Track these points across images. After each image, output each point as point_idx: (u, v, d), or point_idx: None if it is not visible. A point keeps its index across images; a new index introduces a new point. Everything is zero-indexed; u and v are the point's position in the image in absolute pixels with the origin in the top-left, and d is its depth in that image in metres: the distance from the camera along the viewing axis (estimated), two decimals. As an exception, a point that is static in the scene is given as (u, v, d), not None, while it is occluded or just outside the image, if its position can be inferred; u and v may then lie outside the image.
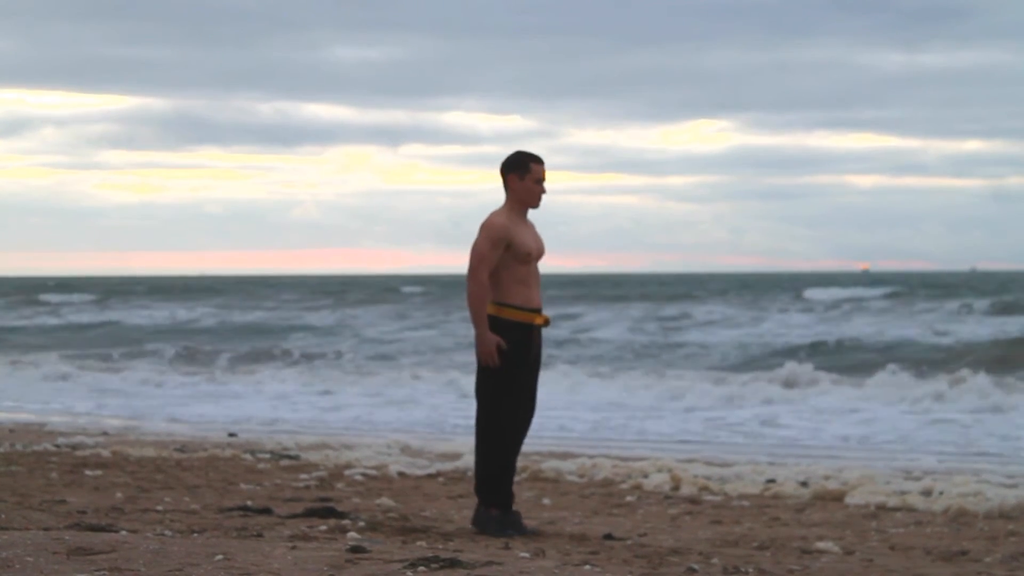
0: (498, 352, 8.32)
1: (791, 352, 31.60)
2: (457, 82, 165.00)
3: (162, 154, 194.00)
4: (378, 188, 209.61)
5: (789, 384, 23.79)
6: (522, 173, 8.37)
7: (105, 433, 16.53)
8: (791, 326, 42.78)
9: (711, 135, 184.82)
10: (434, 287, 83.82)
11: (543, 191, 8.44)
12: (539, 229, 8.66)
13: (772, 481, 12.19)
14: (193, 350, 36.44)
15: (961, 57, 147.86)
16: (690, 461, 13.57)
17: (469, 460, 12.73)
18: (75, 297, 75.85)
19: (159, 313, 59.22)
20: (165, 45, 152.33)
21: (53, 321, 55.05)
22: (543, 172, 8.42)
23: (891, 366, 25.70)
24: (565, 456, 13.96)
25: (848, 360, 30.19)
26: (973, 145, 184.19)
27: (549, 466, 12.83)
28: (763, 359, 31.68)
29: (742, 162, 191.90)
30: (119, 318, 55.66)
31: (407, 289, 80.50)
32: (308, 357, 34.11)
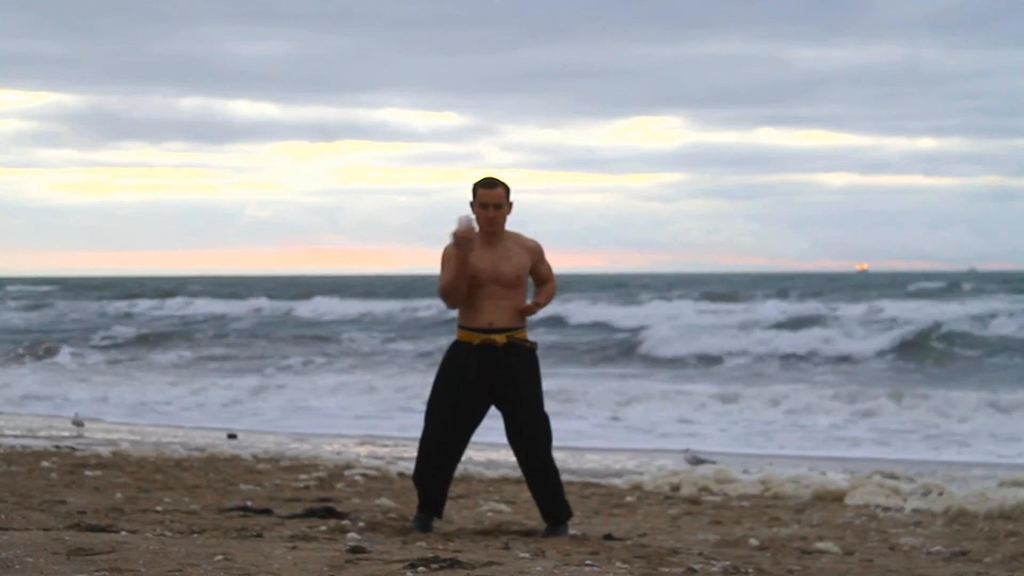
0: (441, 370, 8.58)
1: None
2: (387, 78, 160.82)
3: (82, 153, 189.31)
4: (333, 188, 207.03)
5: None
6: (472, 199, 8.51)
7: (105, 433, 16.56)
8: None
9: (710, 133, 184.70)
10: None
11: (488, 214, 8.53)
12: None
13: (772, 481, 12.19)
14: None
15: (965, 57, 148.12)
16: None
17: (468, 462, 12.73)
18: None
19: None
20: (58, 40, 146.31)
21: None
22: (487, 195, 8.53)
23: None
24: (566, 456, 13.96)
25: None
26: (973, 145, 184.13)
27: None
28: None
29: (742, 160, 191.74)
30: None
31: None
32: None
